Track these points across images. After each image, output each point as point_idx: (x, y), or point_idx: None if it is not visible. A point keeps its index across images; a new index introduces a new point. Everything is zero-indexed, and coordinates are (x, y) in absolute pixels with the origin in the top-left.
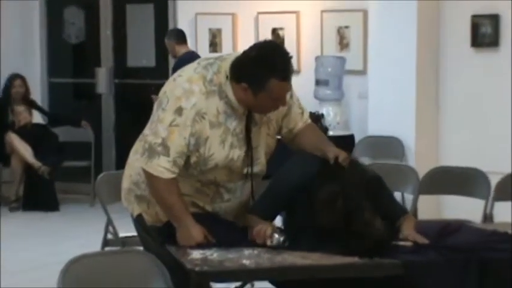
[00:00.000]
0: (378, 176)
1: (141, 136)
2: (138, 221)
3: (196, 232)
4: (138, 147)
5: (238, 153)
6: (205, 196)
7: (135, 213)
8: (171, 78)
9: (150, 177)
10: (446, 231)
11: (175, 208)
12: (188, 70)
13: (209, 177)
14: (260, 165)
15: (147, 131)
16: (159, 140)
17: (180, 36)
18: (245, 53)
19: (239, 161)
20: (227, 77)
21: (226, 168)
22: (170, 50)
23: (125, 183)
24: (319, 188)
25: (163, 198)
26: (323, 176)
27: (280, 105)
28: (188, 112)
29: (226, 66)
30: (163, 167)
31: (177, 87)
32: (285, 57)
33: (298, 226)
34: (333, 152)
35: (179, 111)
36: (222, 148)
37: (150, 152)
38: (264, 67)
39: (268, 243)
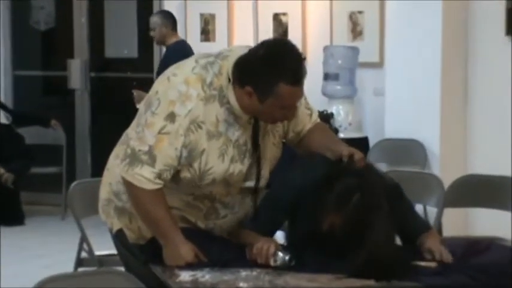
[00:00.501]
0: (397, 184)
1: (123, 137)
2: (118, 237)
3: (186, 250)
4: (119, 151)
5: (239, 167)
6: (198, 211)
7: (115, 228)
8: (164, 76)
9: (130, 187)
10: (474, 250)
11: (162, 223)
12: (185, 69)
13: (204, 191)
14: (263, 179)
15: (132, 133)
16: (145, 148)
17: (174, 22)
18: (251, 51)
19: (240, 176)
20: (229, 79)
21: (224, 181)
22: (159, 36)
23: (103, 193)
24: (332, 185)
25: (147, 211)
26: (333, 176)
27: (289, 116)
28: (182, 119)
29: (228, 66)
30: (145, 177)
31: (172, 89)
32: (297, 59)
33: (302, 240)
34: (347, 150)
35: (171, 117)
36: (221, 162)
37: (132, 159)
38: (273, 68)
39: (272, 262)
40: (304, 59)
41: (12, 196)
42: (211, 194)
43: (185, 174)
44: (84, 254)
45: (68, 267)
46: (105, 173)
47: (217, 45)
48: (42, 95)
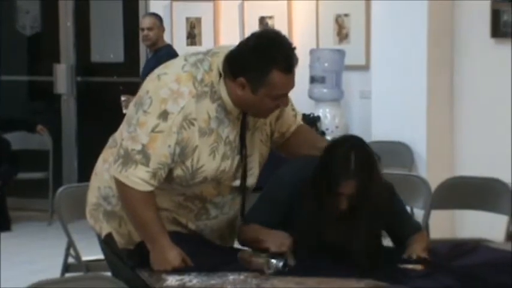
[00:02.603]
0: (390, 184)
1: (110, 142)
2: (107, 242)
3: (174, 255)
4: (108, 155)
5: (230, 164)
6: (188, 212)
7: (104, 233)
8: (153, 75)
9: (122, 188)
10: (460, 251)
11: (151, 226)
12: (175, 68)
13: (195, 191)
14: (253, 176)
15: (123, 133)
16: (139, 147)
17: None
18: (242, 44)
19: (230, 173)
20: (220, 74)
21: (215, 180)
22: (156, 37)
23: (92, 197)
24: (326, 162)
25: (137, 214)
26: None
27: (281, 105)
28: (175, 117)
29: (218, 62)
30: (140, 178)
31: (163, 88)
32: (288, 46)
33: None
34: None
35: (164, 115)
36: (212, 159)
37: (126, 159)
38: (265, 57)
39: (266, 270)
40: (295, 48)
41: None
42: (202, 194)
43: (178, 172)
44: (71, 260)
45: (54, 272)
46: (93, 177)
47: (204, 49)
48: (28, 100)
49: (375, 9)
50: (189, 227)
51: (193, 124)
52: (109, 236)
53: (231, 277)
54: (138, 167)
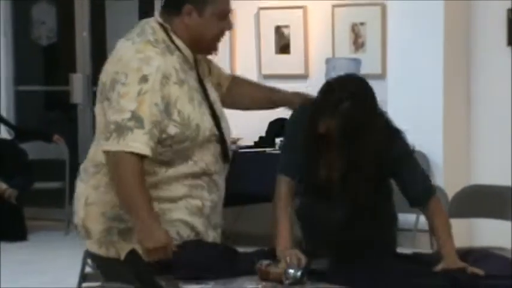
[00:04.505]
0: (396, 130)
1: (92, 169)
2: (130, 259)
3: (160, 233)
4: (96, 181)
5: (207, 111)
6: (201, 190)
7: (123, 253)
8: (113, 59)
9: (115, 162)
10: (469, 259)
11: (139, 199)
12: (128, 46)
13: (200, 164)
14: (225, 121)
15: (107, 113)
16: (128, 115)
17: None
18: None
19: (209, 121)
20: (164, 28)
21: (211, 142)
22: None
23: (96, 227)
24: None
25: (128, 188)
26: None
27: (226, 27)
28: (155, 75)
29: (155, 21)
30: (139, 142)
31: (131, 61)
32: None
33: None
34: (298, 97)
35: (144, 78)
36: (192, 107)
37: (119, 131)
38: None
39: (284, 281)
40: None
41: (15, 212)
42: (206, 168)
43: (171, 130)
44: (88, 269)
45: (72, 282)
46: (89, 209)
47: (219, 58)
48: (44, 110)
49: (390, 18)
50: (204, 210)
51: (168, 79)
52: (132, 252)
53: (249, 286)
54: (135, 132)
